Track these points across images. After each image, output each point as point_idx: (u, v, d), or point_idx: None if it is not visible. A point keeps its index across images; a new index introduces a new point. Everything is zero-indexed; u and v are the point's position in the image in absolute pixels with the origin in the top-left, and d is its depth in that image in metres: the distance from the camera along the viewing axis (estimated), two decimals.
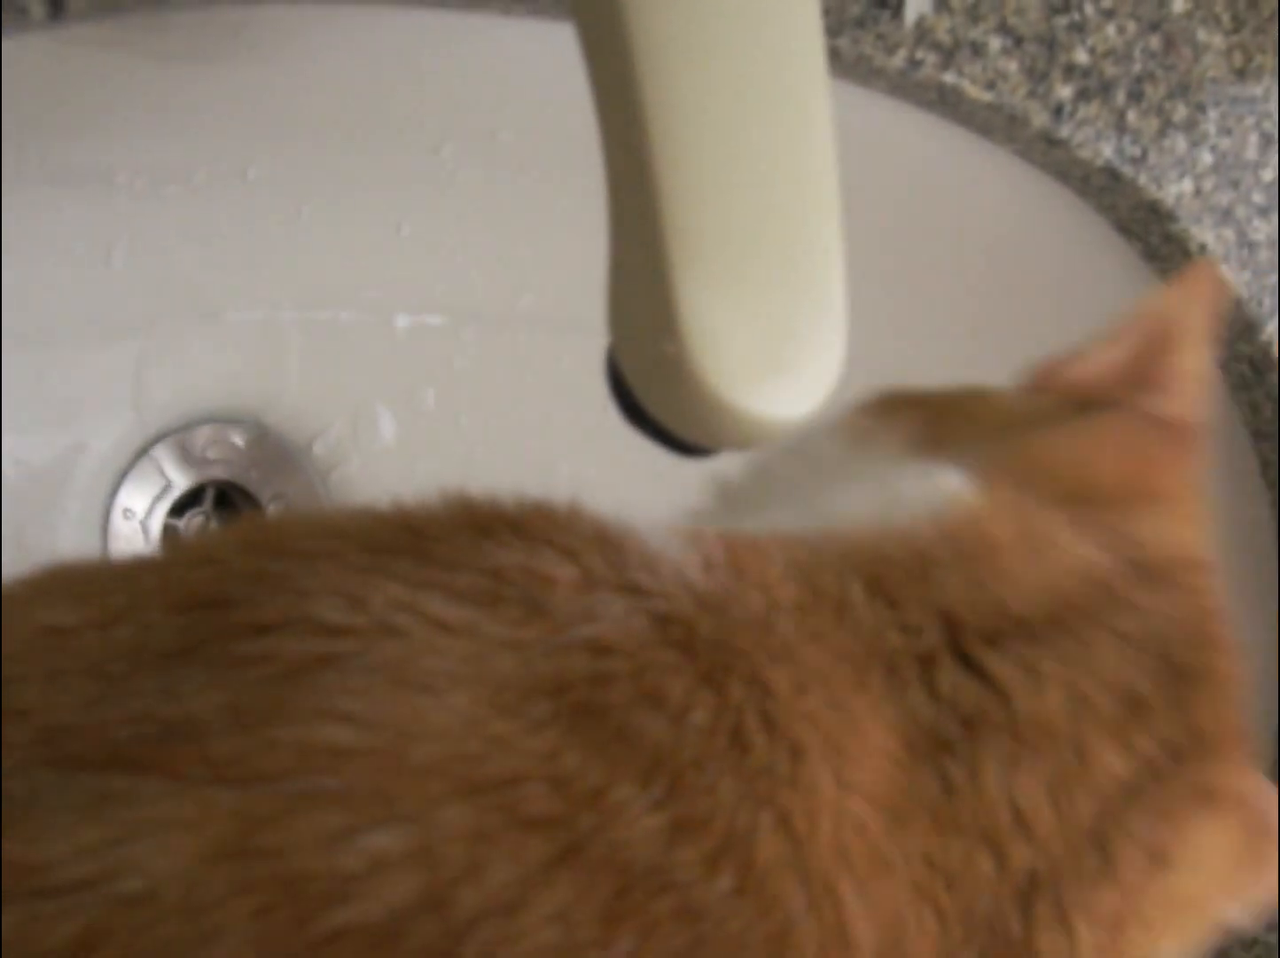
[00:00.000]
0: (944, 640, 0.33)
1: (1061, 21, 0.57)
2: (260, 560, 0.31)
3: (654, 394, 0.41)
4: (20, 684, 0.28)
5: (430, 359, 0.72)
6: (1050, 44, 0.57)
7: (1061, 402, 0.42)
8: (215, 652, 0.28)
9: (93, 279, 0.64)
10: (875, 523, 0.37)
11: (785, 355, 0.40)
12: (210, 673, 0.28)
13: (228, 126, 0.62)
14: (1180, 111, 0.60)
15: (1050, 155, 0.59)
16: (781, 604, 0.33)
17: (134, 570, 0.33)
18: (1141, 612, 0.36)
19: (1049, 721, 0.33)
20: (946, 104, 0.56)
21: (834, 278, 0.40)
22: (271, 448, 0.71)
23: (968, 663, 0.33)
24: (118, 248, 0.64)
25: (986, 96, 0.56)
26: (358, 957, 0.23)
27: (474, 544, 0.32)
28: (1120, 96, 0.58)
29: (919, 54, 0.55)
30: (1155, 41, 0.59)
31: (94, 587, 0.32)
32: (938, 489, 0.38)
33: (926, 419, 0.41)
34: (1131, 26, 0.58)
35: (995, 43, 0.56)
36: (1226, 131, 0.60)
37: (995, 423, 0.42)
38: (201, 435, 0.70)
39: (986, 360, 0.67)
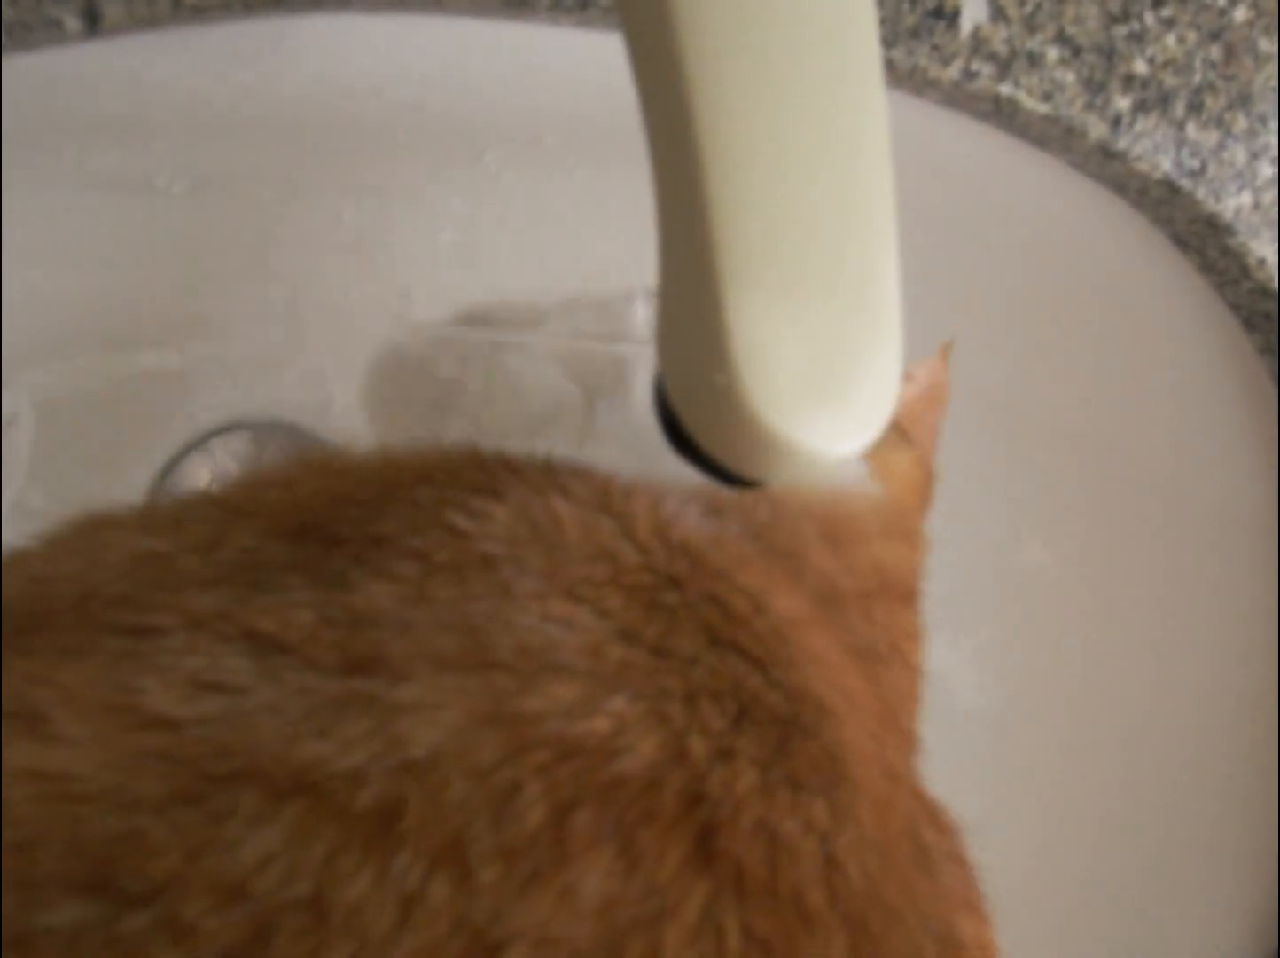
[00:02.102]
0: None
1: (1121, 31, 0.56)
2: (340, 484, 0.32)
3: (702, 425, 0.40)
4: (147, 593, 0.28)
5: (467, 363, 0.71)
6: (1109, 54, 0.55)
7: None
8: (350, 555, 0.29)
9: (131, 282, 0.64)
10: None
11: (841, 389, 0.39)
12: (361, 566, 0.28)
13: (268, 133, 0.61)
14: (1240, 123, 0.58)
15: (1107, 167, 0.57)
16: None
17: (193, 511, 0.33)
18: None
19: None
20: (1002, 115, 0.55)
21: (891, 305, 0.40)
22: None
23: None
24: (156, 251, 0.63)
25: (1043, 108, 0.55)
26: (635, 802, 0.24)
27: (548, 469, 0.34)
28: (1180, 108, 0.57)
29: (975, 65, 0.53)
30: (1216, 51, 0.57)
31: (159, 523, 0.32)
32: None
33: None
34: (1192, 36, 0.57)
35: (1053, 53, 0.54)
36: None
37: None
38: (239, 441, 0.69)
39: (1038, 373, 0.66)
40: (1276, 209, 0.59)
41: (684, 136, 0.38)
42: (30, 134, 0.52)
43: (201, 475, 0.68)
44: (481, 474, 0.33)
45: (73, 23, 0.41)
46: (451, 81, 0.60)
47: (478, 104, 0.60)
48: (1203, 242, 0.60)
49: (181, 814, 0.22)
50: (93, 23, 0.41)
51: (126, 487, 0.67)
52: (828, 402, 0.39)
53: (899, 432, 0.45)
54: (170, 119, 0.59)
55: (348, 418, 0.71)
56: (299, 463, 0.35)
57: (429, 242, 0.67)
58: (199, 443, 0.69)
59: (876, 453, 0.41)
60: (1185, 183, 0.57)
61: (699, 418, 0.40)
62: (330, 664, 0.25)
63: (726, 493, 0.39)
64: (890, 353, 0.39)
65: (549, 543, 0.30)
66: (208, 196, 0.62)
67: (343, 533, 0.30)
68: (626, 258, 0.69)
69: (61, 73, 0.48)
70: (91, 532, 0.33)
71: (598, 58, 0.58)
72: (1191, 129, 0.57)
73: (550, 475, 0.33)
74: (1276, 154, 0.59)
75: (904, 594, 0.39)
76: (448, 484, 0.32)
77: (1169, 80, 0.57)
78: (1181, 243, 0.60)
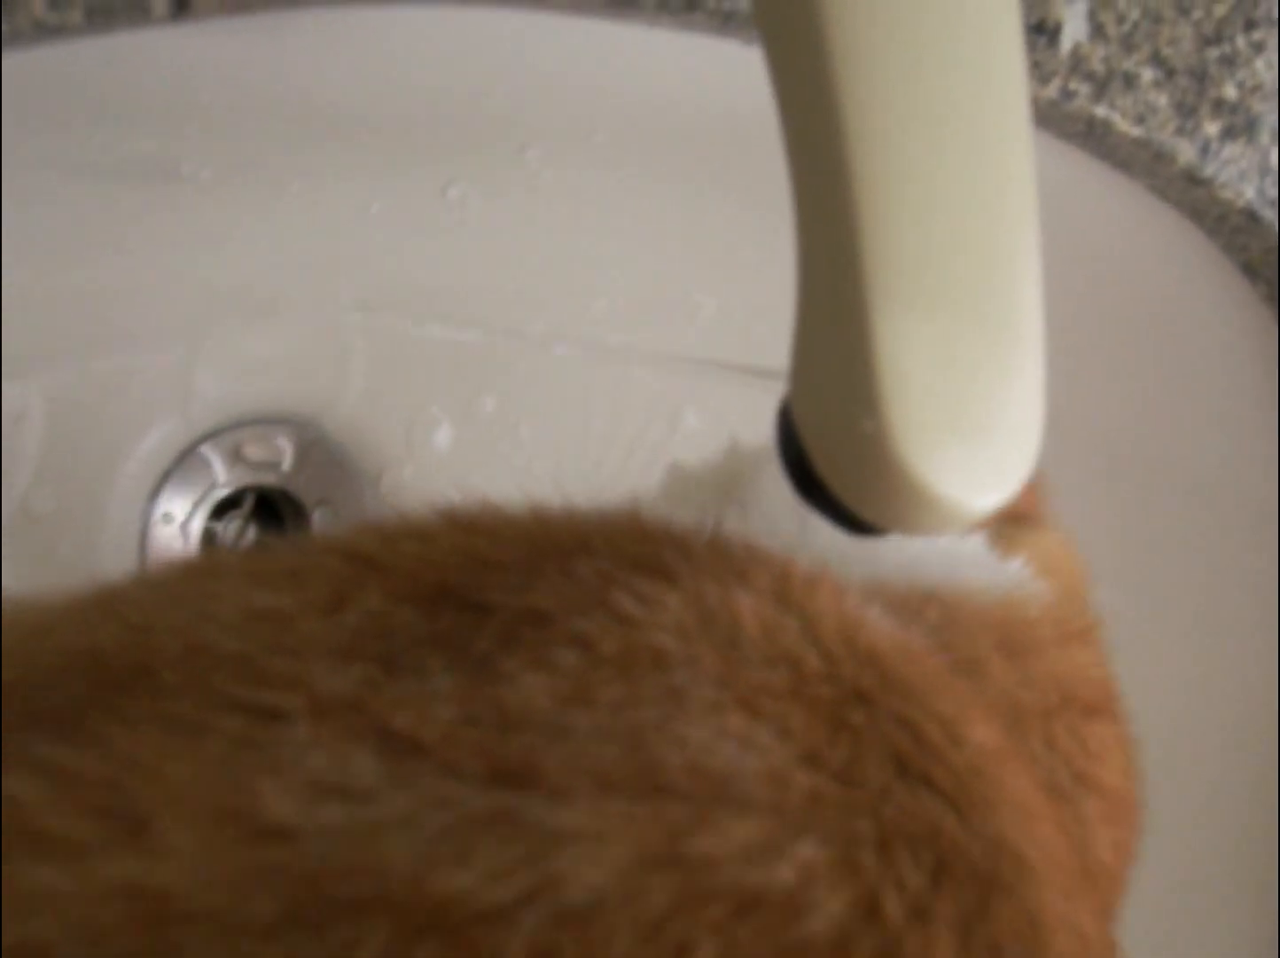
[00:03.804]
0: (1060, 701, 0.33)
1: (1213, 54, 0.54)
2: (486, 544, 0.29)
3: (839, 470, 0.38)
4: (265, 658, 0.24)
5: (493, 365, 0.68)
6: (1201, 77, 0.53)
7: None
8: (499, 633, 0.25)
9: (147, 274, 0.60)
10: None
11: (992, 442, 0.37)
12: (515, 652, 0.25)
13: (304, 122, 0.58)
14: None
15: (1189, 194, 0.56)
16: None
17: (312, 560, 0.29)
18: None
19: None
20: (1094, 136, 0.53)
21: (1039, 353, 0.37)
22: (320, 452, 0.67)
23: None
24: (178, 242, 0.59)
25: (1135, 131, 0.53)
26: None
27: (717, 547, 0.31)
28: (1264, 135, 0.55)
29: (1073, 84, 0.51)
30: None
31: (273, 575, 0.28)
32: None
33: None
34: None
35: (1148, 74, 0.52)
36: None
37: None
38: (248, 437, 0.66)
39: (1090, 394, 0.64)
40: None
41: (835, 160, 0.35)
42: (50, 122, 0.49)
43: (207, 474, 0.65)
44: (647, 549, 0.29)
45: (160, 6, 0.37)
46: (503, 73, 0.57)
47: (532, 99, 0.57)
48: (1275, 271, 0.58)
49: (298, 943, 0.19)
50: (181, 6, 0.37)
51: (132, 484, 0.64)
52: (978, 453, 0.36)
53: (1026, 514, 0.42)
54: (202, 107, 0.55)
55: (357, 410, 0.67)
56: (438, 514, 0.31)
57: (457, 235, 0.64)
58: (204, 439, 0.66)
59: (1026, 541, 0.38)
60: (1267, 212, 0.56)
61: (835, 462, 0.38)
62: (475, 772, 0.22)
63: (896, 587, 0.36)
64: (1038, 402, 0.37)
65: (726, 641, 0.26)
66: (236, 184, 0.58)
67: (490, 601, 0.26)
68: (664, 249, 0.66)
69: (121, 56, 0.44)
70: (195, 578, 0.30)
71: (658, 50, 0.55)
72: (1274, 157, 0.55)
73: (726, 558, 0.30)
74: None
75: (1089, 706, 0.36)
76: (610, 557, 0.29)
77: (1256, 106, 0.55)
78: (1250, 271, 0.59)
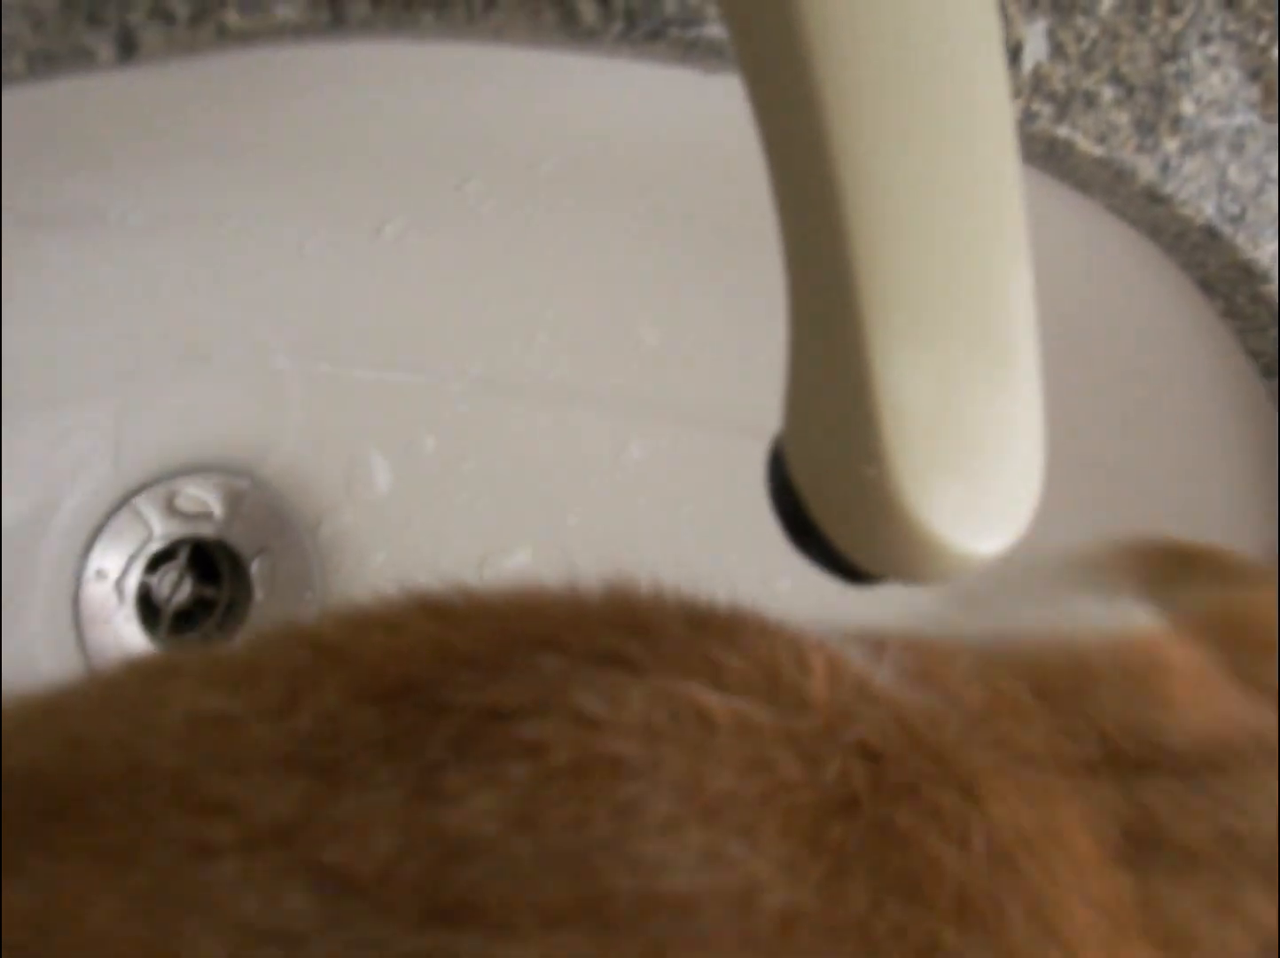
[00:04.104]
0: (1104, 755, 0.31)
1: (1170, 69, 0.53)
2: (456, 635, 0.27)
3: (840, 520, 0.36)
4: (204, 775, 0.23)
5: (431, 404, 0.66)
6: (1159, 93, 0.53)
7: None
8: (454, 737, 0.24)
9: (75, 324, 0.57)
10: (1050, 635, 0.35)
11: (996, 482, 0.35)
12: (465, 766, 0.23)
13: (234, 163, 0.55)
14: (1276, 166, 0.56)
15: (1148, 212, 0.55)
16: (974, 710, 0.30)
17: (272, 653, 0.28)
18: None
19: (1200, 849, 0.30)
20: (1054, 157, 0.52)
21: (1035, 386, 0.36)
22: (257, 500, 0.64)
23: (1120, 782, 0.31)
24: (105, 291, 0.57)
25: (1097, 151, 0.52)
26: None
27: (692, 630, 0.28)
28: (1223, 151, 0.54)
29: (1035, 105, 0.50)
30: (1256, 92, 0.55)
31: (228, 673, 0.27)
32: (1119, 617, 0.36)
33: (1155, 562, 0.38)
34: (1235, 75, 0.55)
35: (1108, 93, 0.51)
36: None
37: (1212, 576, 0.39)
38: (181, 488, 0.63)
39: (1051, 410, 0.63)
40: None
41: (825, 194, 0.34)
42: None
43: (141, 527, 0.62)
44: (616, 639, 0.27)
45: (106, 51, 0.35)
46: (443, 107, 0.55)
47: (474, 131, 0.55)
48: (1232, 287, 0.58)
49: None
50: (128, 52, 0.35)
51: (62, 541, 0.61)
52: (983, 495, 0.35)
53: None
54: (130, 151, 0.53)
55: (294, 456, 0.65)
56: (412, 601, 0.29)
57: (392, 274, 0.62)
58: (137, 492, 0.63)
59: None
60: (1226, 229, 0.55)
61: (834, 509, 0.36)
62: (412, 911, 0.20)
63: (933, 644, 0.34)
64: (1039, 436, 0.36)
65: (692, 743, 0.25)
66: (167, 230, 0.55)
67: (450, 701, 0.25)
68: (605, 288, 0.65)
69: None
70: (147, 680, 0.28)
71: (607, 80, 0.53)
72: (1234, 173, 0.55)
73: (702, 642, 0.28)
74: None
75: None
76: (577, 648, 0.27)
77: (1213, 121, 0.54)
78: (1208, 288, 0.58)
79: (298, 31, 0.38)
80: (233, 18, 0.37)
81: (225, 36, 0.37)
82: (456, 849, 0.21)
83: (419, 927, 0.20)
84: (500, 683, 0.25)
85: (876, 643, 0.32)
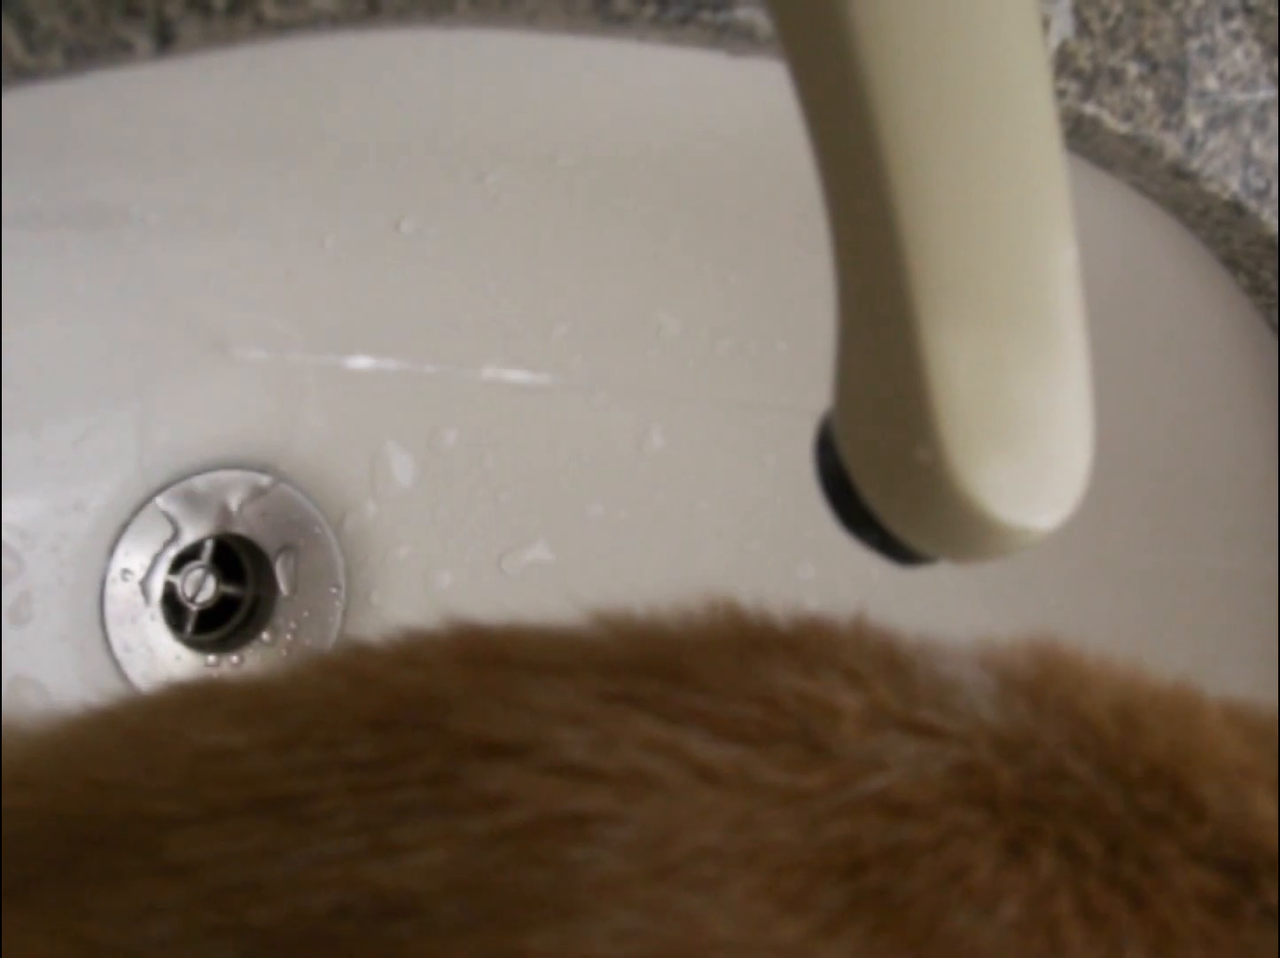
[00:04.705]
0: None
1: (1194, 45, 0.53)
2: (481, 671, 0.26)
3: (893, 502, 0.36)
4: (177, 830, 0.22)
5: (452, 397, 0.66)
6: (1183, 69, 0.53)
7: None
8: (429, 773, 0.23)
9: (98, 322, 0.57)
10: None
11: (1047, 458, 0.35)
12: (427, 813, 0.22)
13: (252, 159, 0.55)
14: None
15: (1172, 188, 0.55)
16: (1084, 736, 0.27)
17: (309, 680, 0.27)
18: None
19: None
20: (1080, 135, 0.52)
21: (1083, 363, 0.36)
22: (280, 497, 0.64)
23: None
24: (126, 289, 0.57)
25: (1124, 128, 0.52)
26: None
27: (741, 664, 0.27)
28: (1247, 126, 0.54)
29: (1061, 83, 0.50)
30: (1277, 65, 0.55)
31: (260, 702, 0.26)
32: None
33: None
34: (1258, 50, 0.54)
35: (1133, 69, 0.51)
36: None
37: None
38: (204, 486, 0.63)
39: None
40: None
41: (872, 175, 0.34)
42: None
43: (165, 527, 0.62)
44: (638, 672, 0.26)
45: (144, 44, 0.35)
46: (460, 97, 0.55)
47: (493, 122, 0.55)
48: (1257, 262, 0.58)
49: None
50: (166, 43, 0.35)
51: (87, 541, 0.61)
52: (1035, 471, 0.35)
53: None
54: (149, 148, 0.53)
55: (315, 451, 0.65)
56: (454, 632, 0.28)
57: (417, 267, 0.62)
58: (160, 490, 0.63)
59: None
60: (1251, 203, 0.55)
61: (887, 492, 0.36)
62: (294, 940, 0.20)
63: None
64: (1087, 411, 0.36)
65: (678, 797, 0.23)
66: (186, 226, 0.55)
67: (443, 725, 0.24)
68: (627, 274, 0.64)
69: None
70: (175, 711, 0.27)
71: (627, 68, 0.53)
72: (1258, 147, 0.55)
73: (732, 679, 0.26)
74: None
75: None
76: (592, 681, 0.25)
77: (1237, 96, 0.54)
78: (1233, 264, 0.58)
79: (334, 21, 0.38)
80: (270, 8, 0.37)
81: (262, 26, 0.37)
82: (389, 909, 0.21)
83: None
84: (496, 713, 0.24)
85: (994, 651, 0.29)
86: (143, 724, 0.26)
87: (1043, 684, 0.28)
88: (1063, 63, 0.50)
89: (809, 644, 0.28)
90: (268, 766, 0.24)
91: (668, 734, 0.24)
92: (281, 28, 0.37)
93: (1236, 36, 0.54)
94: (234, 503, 0.64)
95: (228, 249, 0.58)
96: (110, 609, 0.62)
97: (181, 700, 0.27)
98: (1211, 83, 0.54)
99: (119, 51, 0.35)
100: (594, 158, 0.58)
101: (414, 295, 0.63)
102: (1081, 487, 0.35)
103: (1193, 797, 0.26)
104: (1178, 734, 0.27)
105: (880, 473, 0.36)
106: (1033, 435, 0.35)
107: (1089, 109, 0.51)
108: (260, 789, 0.23)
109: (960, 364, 0.33)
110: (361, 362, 0.64)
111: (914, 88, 0.33)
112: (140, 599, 0.63)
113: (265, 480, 0.65)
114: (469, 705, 0.24)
